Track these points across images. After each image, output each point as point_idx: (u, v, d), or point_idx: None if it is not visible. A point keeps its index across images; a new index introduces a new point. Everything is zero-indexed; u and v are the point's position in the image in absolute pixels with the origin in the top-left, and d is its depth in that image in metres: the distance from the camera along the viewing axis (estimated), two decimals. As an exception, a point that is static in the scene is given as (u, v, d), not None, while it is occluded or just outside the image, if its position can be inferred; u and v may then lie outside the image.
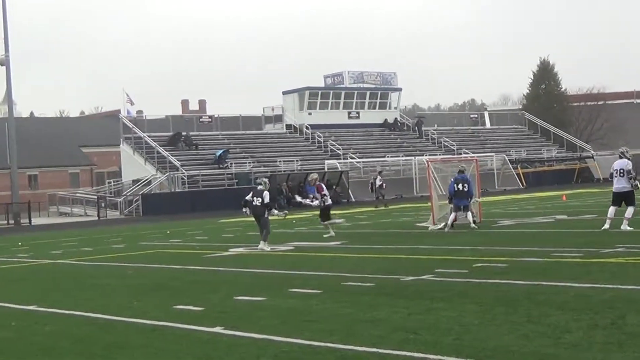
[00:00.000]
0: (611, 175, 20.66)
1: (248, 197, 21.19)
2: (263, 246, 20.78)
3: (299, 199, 26.51)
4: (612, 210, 20.37)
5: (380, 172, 48.09)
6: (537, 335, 8.46)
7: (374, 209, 42.72)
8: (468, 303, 10.69)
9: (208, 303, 12.12)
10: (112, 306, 12.44)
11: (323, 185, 25.07)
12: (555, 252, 15.89)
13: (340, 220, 25.25)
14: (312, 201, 24.83)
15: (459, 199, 23.70)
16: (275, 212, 21.96)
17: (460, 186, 23.64)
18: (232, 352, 8.65)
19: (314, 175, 25.52)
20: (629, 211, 19.91)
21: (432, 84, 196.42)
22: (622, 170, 20.30)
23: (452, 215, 23.84)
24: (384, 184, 46.57)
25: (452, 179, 24.31)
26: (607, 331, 8.46)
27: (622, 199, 20.22)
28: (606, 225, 20.16)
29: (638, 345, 7.79)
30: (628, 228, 19.59)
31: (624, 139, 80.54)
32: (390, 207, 43.19)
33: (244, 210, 21.68)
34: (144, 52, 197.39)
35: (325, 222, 24.52)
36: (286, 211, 25.09)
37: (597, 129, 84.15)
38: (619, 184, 20.29)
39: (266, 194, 20.86)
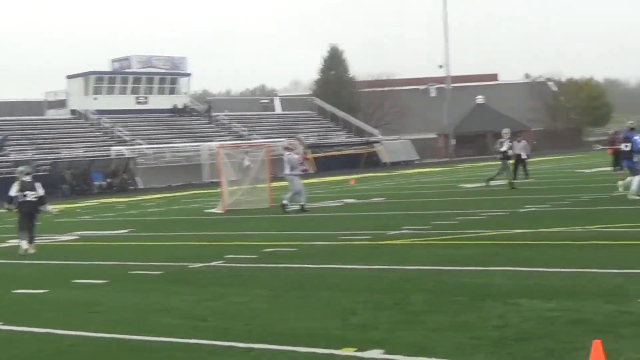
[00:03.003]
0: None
1: (14, 193, 17.21)
2: (30, 249, 17.13)
3: None
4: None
5: None
6: (326, 318, 8.51)
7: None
8: (258, 288, 10.66)
9: (-16, 297, 11.41)
10: None
11: None
12: (343, 236, 16.16)
13: None
14: None
15: (626, 159, 20.89)
16: (49, 207, 18.47)
17: (623, 146, 20.99)
18: (10, 347, 8.19)
19: None
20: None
21: (223, 69, 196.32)
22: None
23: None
24: None
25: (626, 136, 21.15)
26: (393, 311, 8.64)
27: None
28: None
29: (422, 323, 7.99)
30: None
31: (409, 125, 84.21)
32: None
33: (7, 206, 17.61)
34: None
35: None
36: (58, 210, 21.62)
37: (384, 115, 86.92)
38: None
39: (39, 185, 17.50)
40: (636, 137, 21.04)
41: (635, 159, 20.74)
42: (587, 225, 15.19)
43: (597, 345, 5.81)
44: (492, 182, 28.38)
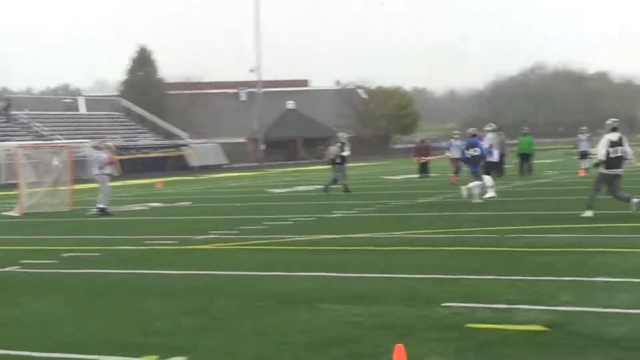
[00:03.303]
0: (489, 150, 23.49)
1: None
2: None
3: None
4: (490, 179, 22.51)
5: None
6: (128, 325, 8.23)
7: None
8: (57, 295, 10.21)
9: None
10: None
11: None
12: (149, 240, 15.78)
13: None
14: None
15: (473, 165, 21.93)
16: None
17: (472, 151, 21.91)
18: None
19: None
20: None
21: (23, 66, 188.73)
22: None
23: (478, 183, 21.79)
24: None
25: (465, 144, 22.80)
26: (197, 317, 8.47)
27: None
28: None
29: (225, 328, 7.90)
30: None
31: (219, 128, 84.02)
32: None
33: None
34: None
35: None
36: None
37: (193, 118, 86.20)
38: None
39: None
40: (482, 143, 22.74)
41: (482, 163, 22.15)
42: (392, 231, 15.56)
43: (399, 349, 5.88)
44: (348, 188, 27.48)
